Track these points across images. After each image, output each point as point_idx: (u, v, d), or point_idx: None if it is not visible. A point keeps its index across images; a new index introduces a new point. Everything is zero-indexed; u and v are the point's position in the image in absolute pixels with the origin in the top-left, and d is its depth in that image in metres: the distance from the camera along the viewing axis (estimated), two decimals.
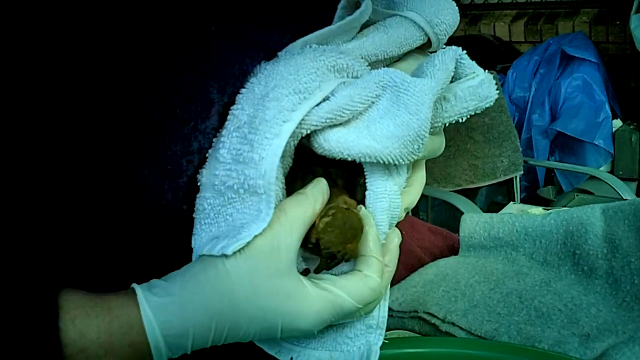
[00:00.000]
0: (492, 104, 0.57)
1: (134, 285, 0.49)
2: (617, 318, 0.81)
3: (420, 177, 0.60)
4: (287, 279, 0.49)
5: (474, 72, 0.57)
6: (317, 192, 0.52)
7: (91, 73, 0.47)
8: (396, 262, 0.56)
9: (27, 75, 0.46)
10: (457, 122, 0.57)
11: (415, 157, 0.53)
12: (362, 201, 0.55)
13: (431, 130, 0.54)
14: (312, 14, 0.60)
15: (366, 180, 0.55)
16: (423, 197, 2.47)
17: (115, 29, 0.48)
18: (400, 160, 0.52)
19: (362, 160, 0.52)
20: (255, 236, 0.48)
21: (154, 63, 0.49)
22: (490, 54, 3.27)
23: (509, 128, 2.43)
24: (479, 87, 0.56)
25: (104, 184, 0.50)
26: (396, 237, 0.56)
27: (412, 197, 0.59)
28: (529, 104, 3.03)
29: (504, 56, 3.28)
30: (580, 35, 3.10)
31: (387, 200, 0.54)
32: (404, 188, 0.57)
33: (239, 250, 0.48)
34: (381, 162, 0.52)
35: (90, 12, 0.47)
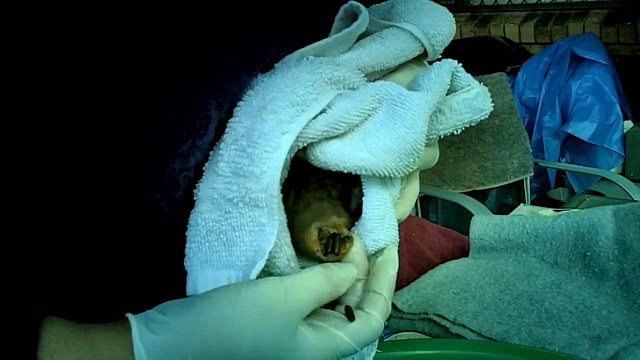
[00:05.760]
0: (487, 116, 0.58)
1: (130, 316, 0.47)
2: (629, 320, 0.81)
3: (414, 189, 0.60)
4: (292, 332, 0.47)
5: (469, 85, 0.58)
6: (343, 278, 0.51)
7: (90, 92, 0.47)
8: (392, 294, 0.55)
9: (25, 92, 0.46)
10: (452, 134, 0.58)
11: (410, 170, 0.54)
12: (356, 211, 0.56)
13: (426, 142, 0.55)
14: (310, 27, 0.60)
15: (363, 189, 0.55)
16: (433, 199, 2.47)
17: (114, 48, 0.48)
18: (396, 173, 0.53)
19: (358, 172, 0.53)
20: (267, 284, 0.47)
21: (151, 82, 0.49)
22: (500, 56, 3.26)
23: (519, 130, 2.42)
24: (474, 100, 0.57)
25: (101, 200, 0.50)
26: (392, 269, 0.55)
27: (405, 208, 0.59)
28: (539, 105, 3.02)
29: (514, 58, 3.27)
30: (591, 36, 3.09)
31: (383, 209, 0.55)
32: (397, 199, 0.58)
33: (248, 295, 0.46)
34: (377, 175, 0.53)
35: (90, 31, 0.47)
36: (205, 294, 0.48)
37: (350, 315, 0.51)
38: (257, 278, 0.49)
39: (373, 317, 0.51)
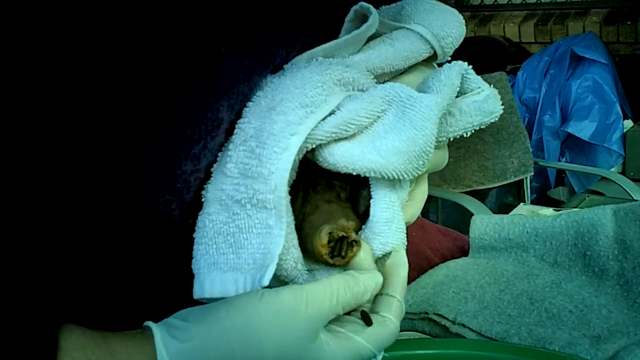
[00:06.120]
0: (497, 119, 0.58)
1: (151, 325, 0.47)
2: (629, 319, 0.81)
3: (422, 191, 0.60)
4: (314, 339, 0.48)
5: (479, 87, 0.57)
6: (369, 285, 0.51)
7: (102, 95, 0.47)
8: (404, 293, 0.55)
9: (36, 97, 0.46)
10: (462, 136, 0.57)
11: (420, 173, 0.54)
12: (364, 212, 0.55)
13: (435, 144, 0.55)
14: (320, 28, 0.60)
15: (371, 191, 0.55)
16: (433, 198, 2.47)
17: (125, 49, 0.48)
18: (405, 176, 0.53)
19: (367, 174, 0.52)
20: (290, 292, 0.47)
21: (163, 84, 0.49)
22: (500, 55, 3.26)
23: (519, 129, 2.42)
24: (484, 102, 0.57)
25: (113, 202, 0.50)
26: (403, 272, 0.55)
27: (414, 210, 0.59)
28: (540, 105, 3.02)
29: (514, 57, 3.27)
30: (591, 36, 3.09)
31: (391, 212, 0.55)
32: (406, 202, 0.57)
33: (270, 303, 0.47)
34: (385, 177, 0.52)
35: (101, 33, 0.47)
36: (226, 301, 0.48)
37: (367, 320, 0.52)
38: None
39: (389, 320, 0.52)
